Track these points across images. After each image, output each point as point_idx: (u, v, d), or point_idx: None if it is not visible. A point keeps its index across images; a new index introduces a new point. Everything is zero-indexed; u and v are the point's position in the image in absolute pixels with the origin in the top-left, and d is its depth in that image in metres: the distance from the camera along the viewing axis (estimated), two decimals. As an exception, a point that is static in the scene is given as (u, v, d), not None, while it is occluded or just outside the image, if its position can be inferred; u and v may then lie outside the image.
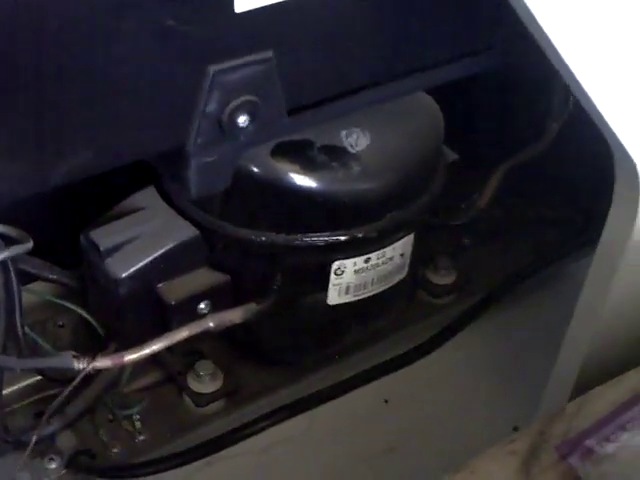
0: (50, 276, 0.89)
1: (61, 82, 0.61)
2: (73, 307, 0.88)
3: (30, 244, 0.73)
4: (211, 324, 0.81)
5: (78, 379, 0.78)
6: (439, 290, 0.98)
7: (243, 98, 0.68)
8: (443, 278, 0.99)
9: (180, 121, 0.67)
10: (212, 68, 0.66)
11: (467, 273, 1.00)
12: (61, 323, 0.95)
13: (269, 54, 0.67)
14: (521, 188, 0.99)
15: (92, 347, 0.87)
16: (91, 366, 0.77)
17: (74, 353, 0.78)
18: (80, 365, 0.77)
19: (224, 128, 0.68)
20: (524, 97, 0.93)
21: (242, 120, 0.68)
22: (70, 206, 0.87)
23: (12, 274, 0.77)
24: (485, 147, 0.95)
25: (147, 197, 0.83)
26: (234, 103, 0.67)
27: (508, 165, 0.94)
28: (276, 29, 0.67)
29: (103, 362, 0.78)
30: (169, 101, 0.66)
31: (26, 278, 0.83)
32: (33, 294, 0.88)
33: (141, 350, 0.79)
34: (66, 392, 0.80)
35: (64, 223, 0.86)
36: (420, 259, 0.91)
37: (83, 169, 0.66)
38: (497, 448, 0.70)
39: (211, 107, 0.67)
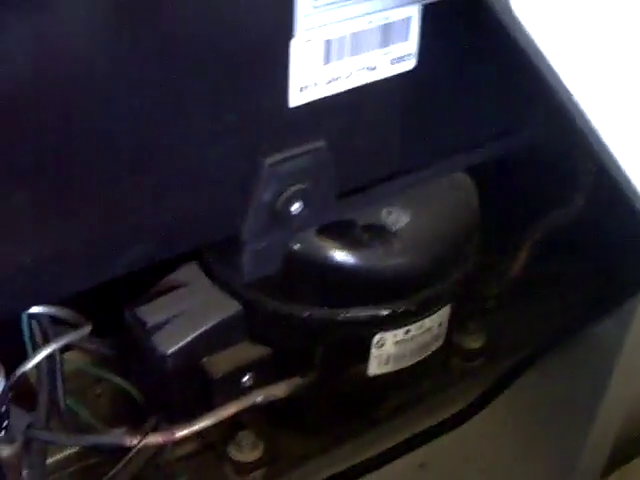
0: (88, 345, 0.90)
1: (123, 176, 0.63)
2: (113, 378, 0.89)
3: (89, 328, 0.75)
4: (257, 399, 0.83)
5: (130, 455, 0.79)
6: (470, 354, 1.00)
7: (296, 187, 0.70)
8: (473, 342, 1.00)
9: (237, 211, 0.69)
10: (267, 161, 0.68)
11: (495, 335, 1.01)
12: (98, 392, 0.96)
13: (321, 143, 0.69)
14: (546, 251, 1.01)
15: (130, 415, 0.88)
16: (143, 443, 0.79)
17: (125, 429, 0.80)
18: (132, 442, 0.79)
19: (277, 216, 0.70)
20: (550, 167, 0.95)
21: (295, 207, 0.70)
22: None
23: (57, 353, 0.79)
24: (511, 215, 0.97)
25: (190, 273, 0.84)
26: (288, 192, 0.69)
27: (537, 235, 0.96)
28: (327, 119, 0.69)
29: (155, 439, 0.79)
30: (226, 193, 0.68)
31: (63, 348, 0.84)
32: (69, 363, 0.89)
33: (190, 426, 0.80)
34: (118, 468, 0.81)
35: (94, 291, 0.87)
36: (452, 325, 0.93)
37: (142, 260, 0.67)
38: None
39: (266, 197, 0.69)
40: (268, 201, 0.69)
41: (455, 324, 0.95)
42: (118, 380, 0.89)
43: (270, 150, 0.68)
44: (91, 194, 0.63)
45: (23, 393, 0.83)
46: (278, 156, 0.68)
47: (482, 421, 0.95)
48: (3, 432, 0.75)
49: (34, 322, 0.81)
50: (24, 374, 0.89)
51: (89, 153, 0.61)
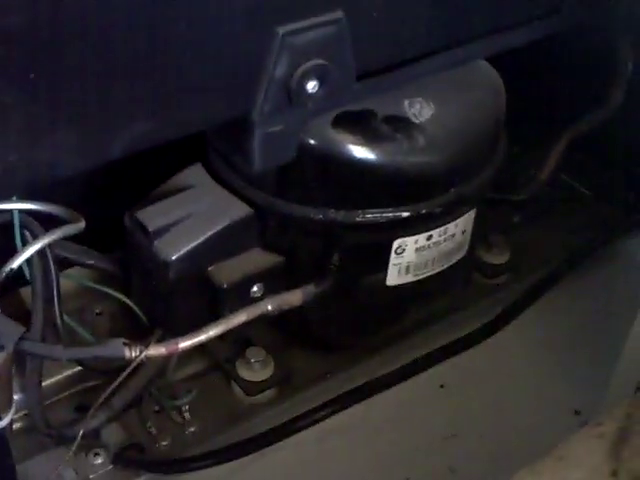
0: (88, 261, 0.84)
1: (121, 46, 0.57)
2: (114, 293, 0.84)
3: (82, 224, 0.69)
4: (269, 307, 0.77)
5: (130, 368, 0.73)
6: (493, 270, 0.94)
7: (313, 62, 0.63)
8: (497, 257, 0.95)
9: (246, 87, 0.63)
10: (281, 29, 0.61)
11: (520, 252, 0.95)
12: (99, 311, 0.90)
13: (340, 14, 0.63)
14: (572, 165, 0.95)
15: (132, 335, 0.82)
16: (144, 354, 0.73)
17: (125, 340, 0.74)
18: (132, 353, 0.73)
19: (292, 94, 0.64)
20: (586, 63, 0.88)
21: (311, 85, 0.64)
22: (104, 185, 0.83)
23: (50, 259, 0.73)
24: (543, 115, 0.91)
25: (195, 175, 0.79)
26: (303, 67, 0.63)
27: (569, 136, 0.90)
28: (346, -12, 0.63)
29: (157, 350, 0.73)
30: (236, 66, 0.62)
31: (62, 264, 0.78)
32: (69, 280, 0.84)
33: (196, 336, 0.74)
34: (117, 383, 0.75)
35: (97, 203, 0.81)
36: (475, 238, 0.87)
37: (145, 139, 0.61)
38: (584, 433, 0.66)
39: (280, 71, 0.63)
40: (281, 77, 0.63)
41: (479, 237, 0.89)
42: (120, 296, 0.83)
43: (285, 19, 0.61)
44: (89, 64, 0.56)
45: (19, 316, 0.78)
46: (293, 25, 0.62)
47: (506, 340, 0.89)
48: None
49: (26, 231, 0.75)
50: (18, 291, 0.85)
51: (87, 18, 0.55)
